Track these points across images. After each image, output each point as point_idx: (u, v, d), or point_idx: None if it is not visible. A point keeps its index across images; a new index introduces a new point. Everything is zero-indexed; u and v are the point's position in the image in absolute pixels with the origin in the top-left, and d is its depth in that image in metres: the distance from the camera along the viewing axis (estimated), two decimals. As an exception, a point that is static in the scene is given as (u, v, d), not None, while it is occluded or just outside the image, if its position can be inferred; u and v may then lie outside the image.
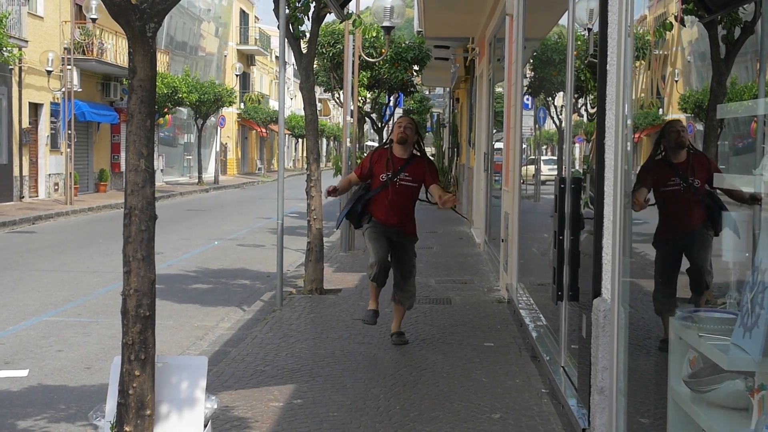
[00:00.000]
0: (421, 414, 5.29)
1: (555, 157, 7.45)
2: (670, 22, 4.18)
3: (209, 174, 40.90)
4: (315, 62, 11.37)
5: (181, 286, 10.58)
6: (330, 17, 11.85)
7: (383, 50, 16.56)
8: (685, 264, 4.29)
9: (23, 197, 24.22)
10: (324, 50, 17.26)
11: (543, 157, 8.65)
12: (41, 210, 21.00)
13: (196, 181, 37.60)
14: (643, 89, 4.45)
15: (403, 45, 18.98)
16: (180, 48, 40.73)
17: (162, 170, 35.14)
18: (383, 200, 7.11)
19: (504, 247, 9.28)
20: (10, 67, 22.66)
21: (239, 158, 50.93)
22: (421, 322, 8.02)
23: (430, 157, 8.03)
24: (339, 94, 18.66)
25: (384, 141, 8.62)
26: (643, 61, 4.37)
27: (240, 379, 6.09)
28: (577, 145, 5.99)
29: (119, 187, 29.38)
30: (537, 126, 8.89)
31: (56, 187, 26.24)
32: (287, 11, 9.00)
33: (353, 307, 8.67)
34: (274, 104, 55.12)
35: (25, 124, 24.44)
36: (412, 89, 20.86)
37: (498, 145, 11.50)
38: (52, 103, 25.90)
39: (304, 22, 9.32)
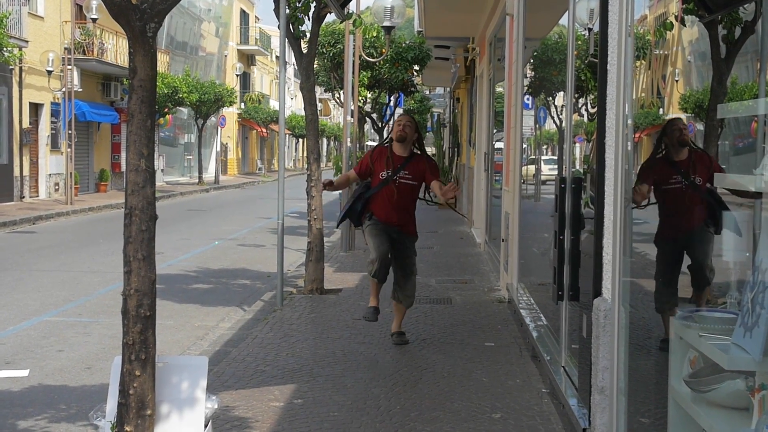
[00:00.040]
0: (421, 414, 5.29)
1: (555, 157, 7.45)
2: (671, 22, 4.18)
3: (210, 174, 40.91)
4: (315, 62, 11.37)
5: (182, 286, 10.58)
6: (330, 17, 11.86)
7: (384, 50, 16.56)
8: (686, 261, 4.29)
9: (24, 197, 24.23)
10: (324, 50, 17.25)
11: (543, 157, 8.65)
12: (42, 210, 21.01)
13: (197, 181, 37.61)
14: (644, 89, 4.45)
15: (404, 45, 18.97)
16: (180, 48, 40.74)
17: (162, 170, 35.14)
18: (383, 198, 7.11)
19: (504, 247, 9.28)
20: (11, 67, 22.67)
21: (240, 158, 50.95)
22: (422, 321, 8.02)
23: (431, 155, 8.02)
24: (339, 94, 18.65)
25: (384, 139, 8.63)
26: (643, 61, 4.37)
27: (240, 379, 6.09)
28: (577, 144, 5.99)
29: (120, 187, 29.39)
30: (537, 126, 8.89)
31: (57, 187, 26.25)
32: (287, 11, 9.00)
33: (354, 307, 8.67)
34: (274, 104, 55.12)
35: (26, 124, 24.44)
36: (412, 89, 20.85)
37: (498, 144, 11.50)
38: (52, 103, 25.91)
39: (304, 22, 9.32)
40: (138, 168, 3.78)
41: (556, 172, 6.48)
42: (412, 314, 8.07)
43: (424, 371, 6.29)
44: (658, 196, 4.39)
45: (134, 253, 3.78)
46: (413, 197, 7.23)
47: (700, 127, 4.21)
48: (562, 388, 5.29)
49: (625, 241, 3.96)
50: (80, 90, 25.71)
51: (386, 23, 12.08)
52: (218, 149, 41.96)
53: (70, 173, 23.39)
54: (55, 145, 26.20)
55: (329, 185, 7.34)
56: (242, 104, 48.89)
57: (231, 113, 46.26)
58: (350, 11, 9.71)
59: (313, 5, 9.20)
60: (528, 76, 8.81)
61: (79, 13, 26.80)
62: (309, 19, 9.33)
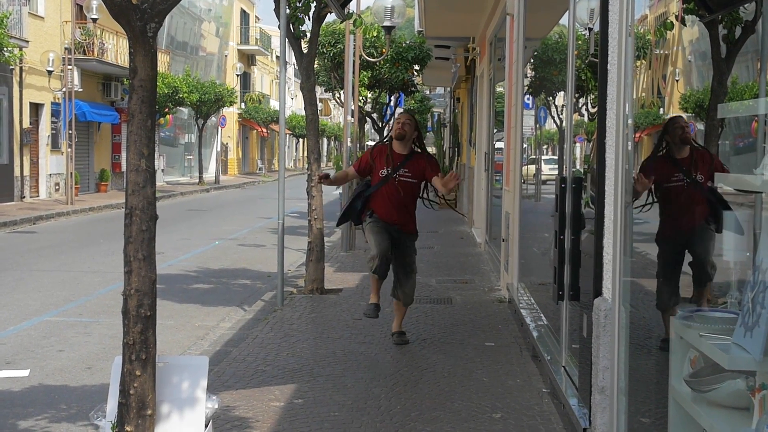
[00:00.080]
0: (422, 413, 5.29)
1: (556, 157, 7.45)
2: (671, 22, 4.18)
3: (210, 174, 40.91)
4: (316, 62, 11.37)
5: (182, 286, 10.58)
6: (331, 17, 11.85)
7: (384, 50, 16.55)
8: (687, 259, 4.29)
9: (24, 197, 24.23)
10: (325, 50, 17.25)
11: (544, 157, 8.65)
12: (42, 210, 21.01)
13: (197, 181, 37.61)
14: (644, 89, 4.45)
15: (404, 45, 18.96)
16: (181, 48, 40.74)
17: (163, 170, 35.15)
18: (383, 197, 7.10)
19: (505, 247, 9.28)
20: (11, 67, 22.68)
21: (240, 158, 50.95)
22: (422, 321, 8.02)
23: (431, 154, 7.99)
24: (340, 94, 18.65)
25: (384, 137, 8.62)
26: (643, 61, 4.37)
27: (241, 378, 6.09)
28: (577, 144, 5.99)
29: (120, 187, 29.39)
30: (538, 125, 8.89)
31: (57, 187, 26.25)
32: (288, 11, 9.00)
33: (354, 306, 8.67)
34: (274, 104, 55.12)
35: (26, 124, 24.45)
36: (412, 89, 20.84)
37: (499, 144, 11.50)
38: (52, 103, 25.91)
39: (304, 22, 9.32)
40: (138, 168, 3.78)
41: (556, 172, 6.48)
42: (413, 314, 8.07)
43: (425, 371, 6.29)
44: (660, 194, 4.39)
45: (135, 253, 3.78)
46: (413, 195, 7.22)
47: (700, 126, 4.21)
48: (562, 387, 5.29)
49: (625, 241, 3.96)
50: (80, 90, 25.72)
51: (386, 23, 12.08)
52: (218, 149, 41.96)
53: (71, 173, 23.39)
54: (55, 145, 26.21)
55: (325, 179, 7.33)
56: (242, 104, 48.89)
57: (231, 113, 46.27)
58: (350, 11, 9.71)
59: (313, 5, 9.19)
60: (528, 75, 8.81)
61: (80, 13, 26.80)
62: (309, 19, 9.33)
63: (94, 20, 23.00)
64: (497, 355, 6.75)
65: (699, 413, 3.17)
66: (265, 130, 53.03)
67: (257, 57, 53.72)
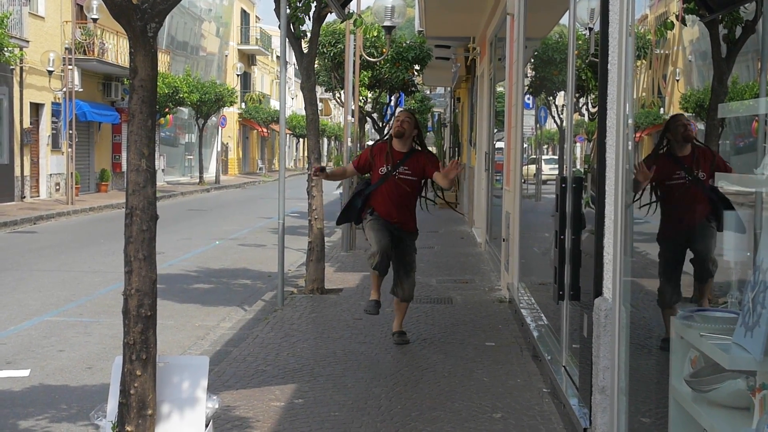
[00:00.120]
0: (422, 413, 5.29)
1: (556, 157, 7.45)
2: (671, 22, 4.18)
3: (210, 174, 40.91)
4: (316, 62, 11.37)
5: (183, 286, 10.58)
6: (331, 17, 11.85)
7: (384, 50, 16.55)
8: (688, 256, 4.29)
9: (24, 197, 24.24)
10: (325, 50, 17.26)
11: (544, 157, 8.65)
12: (42, 210, 21.01)
13: (198, 180, 37.61)
14: (645, 88, 4.45)
15: (404, 45, 18.97)
16: (181, 48, 40.74)
17: (163, 170, 35.16)
18: (384, 195, 7.09)
19: (505, 247, 9.28)
20: (12, 67, 22.68)
21: (240, 158, 50.95)
22: (423, 321, 8.02)
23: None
24: (340, 94, 18.66)
25: (384, 135, 8.62)
26: (644, 61, 4.37)
27: (241, 378, 6.09)
28: (578, 144, 5.99)
29: (120, 187, 29.39)
30: (538, 125, 8.89)
31: (57, 187, 26.26)
32: (288, 11, 9.00)
33: (354, 306, 8.67)
34: (275, 104, 55.12)
35: (27, 124, 24.45)
36: (413, 89, 20.86)
37: (499, 144, 11.50)
38: (53, 103, 25.92)
39: (305, 22, 9.32)
40: (139, 168, 3.78)
41: (556, 172, 6.48)
42: (413, 314, 8.07)
43: (425, 371, 6.29)
44: (661, 192, 4.38)
45: (135, 252, 3.78)
46: (413, 193, 7.20)
47: (701, 126, 4.21)
48: (563, 387, 5.29)
49: (625, 241, 3.96)
50: (81, 90, 25.72)
51: (387, 23, 12.08)
52: (219, 149, 41.97)
53: (71, 173, 23.40)
54: (55, 145, 26.21)
55: (321, 172, 7.33)
56: (243, 104, 48.90)
57: (232, 113, 46.28)
58: (351, 11, 9.71)
59: (313, 5, 9.19)
60: (529, 75, 8.80)
61: (80, 13, 26.80)
62: (310, 19, 9.32)
63: (95, 20, 23.01)
64: (498, 355, 6.75)
65: (699, 413, 3.17)
66: (265, 130, 53.03)
67: (257, 57, 53.72)
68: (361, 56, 14.77)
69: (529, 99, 8.67)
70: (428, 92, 35.92)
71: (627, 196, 3.97)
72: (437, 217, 18.09)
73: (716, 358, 3.02)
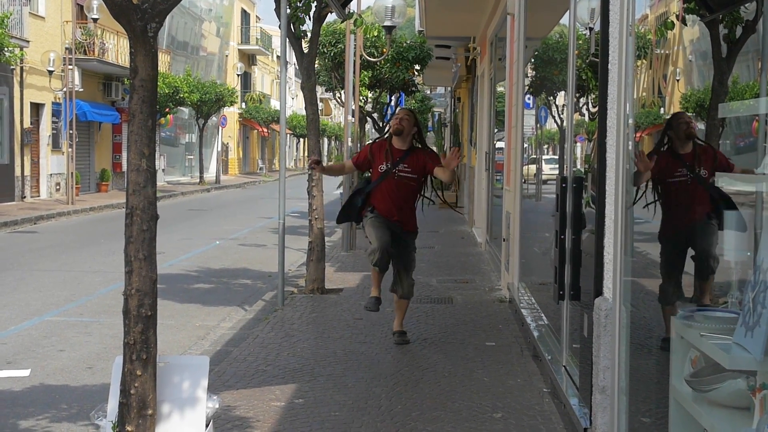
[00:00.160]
0: (422, 413, 5.29)
1: (556, 157, 7.45)
2: (672, 21, 4.18)
3: (211, 174, 40.92)
4: (316, 62, 11.36)
5: (183, 286, 10.58)
6: (331, 17, 11.85)
7: (384, 50, 16.54)
8: (690, 253, 4.29)
9: (25, 197, 24.24)
10: (325, 50, 17.25)
11: (544, 157, 8.65)
12: (43, 210, 21.02)
13: (198, 180, 37.61)
14: (645, 88, 4.45)
15: (405, 44, 18.96)
16: (181, 48, 40.75)
17: (163, 170, 35.17)
18: (383, 193, 7.07)
19: (505, 247, 9.28)
20: (12, 67, 22.68)
21: (241, 158, 50.95)
22: (423, 321, 8.02)
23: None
24: (340, 94, 18.65)
25: (384, 133, 8.61)
26: (644, 60, 4.37)
27: (241, 378, 6.09)
28: (578, 144, 5.99)
29: (121, 187, 29.39)
30: (538, 125, 8.89)
31: (58, 187, 26.26)
32: (288, 11, 9.00)
33: (355, 306, 8.67)
34: (275, 104, 55.12)
35: (27, 124, 24.46)
36: (413, 89, 20.84)
37: (499, 144, 11.50)
38: (53, 103, 25.92)
39: (305, 22, 9.32)
40: (139, 168, 3.78)
41: (557, 172, 6.48)
42: (413, 314, 8.07)
43: (425, 371, 6.29)
44: (663, 189, 4.38)
45: (135, 252, 3.78)
46: (413, 192, 7.17)
47: (701, 126, 4.21)
48: (563, 387, 5.29)
49: (626, 241, 3.96)
50: (81, 90, 25.72)
51: (387, 23, 12.07)
52: (219, 149, 41.98)
53: (71, 173, 23.40)
54: (56, 145, 26.22)
55: (317, 164, 7.32)
56: (243, 104, 48.90)
57: (232, 113, 46.28)
58: (351, 11, 9.71)
59: (314, 5, 9.19)
60: (529, 75, 8.81)
61: (80, 13, 26.81)
62: (310, 19, 9.32)
63: (95, 20, 23.03)
64: (498, 355, 6.75)
65: (700, 413, 3.17)
66: (265, 129, 53.03)
67: (258, 57, 53.72)
68: (361, 56, 14.77)
69: (529, 99, 8.67)
70: (428, 92, 35.93)
71: (627, 196, 3.97)
72: (437, 217, 18.10)
73: (717, 358, 3.02)
